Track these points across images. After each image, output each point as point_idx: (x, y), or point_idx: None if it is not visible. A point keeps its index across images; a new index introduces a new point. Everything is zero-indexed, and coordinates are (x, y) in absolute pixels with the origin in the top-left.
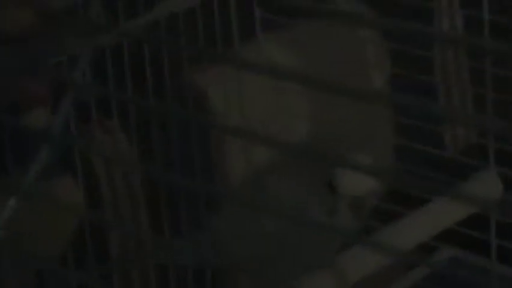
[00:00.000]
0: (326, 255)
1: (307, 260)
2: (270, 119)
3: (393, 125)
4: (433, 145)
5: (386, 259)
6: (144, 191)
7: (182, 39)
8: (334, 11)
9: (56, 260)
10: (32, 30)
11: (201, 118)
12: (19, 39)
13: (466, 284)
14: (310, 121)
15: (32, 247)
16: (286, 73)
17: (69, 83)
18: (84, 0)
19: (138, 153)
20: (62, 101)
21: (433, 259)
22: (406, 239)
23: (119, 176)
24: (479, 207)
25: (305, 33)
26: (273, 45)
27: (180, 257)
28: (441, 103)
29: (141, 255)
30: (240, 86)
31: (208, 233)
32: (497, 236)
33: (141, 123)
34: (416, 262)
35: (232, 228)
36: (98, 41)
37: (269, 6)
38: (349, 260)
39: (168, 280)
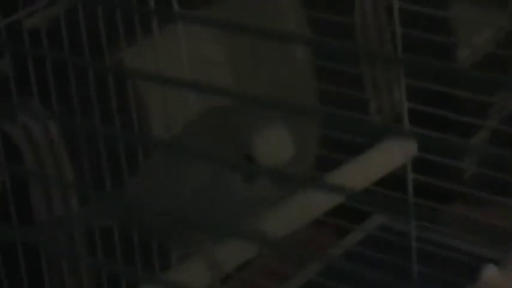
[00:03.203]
0: (243, 222)
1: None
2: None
3: (316, 90)
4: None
5: (304, 220)
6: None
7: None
8: None
9: None
10: None
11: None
12: None
13: (392, 247)
14: (230, 72)
15: None
16: (204, 19)
17: None
18: None
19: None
20: None
21: (364, 226)
22: (321, 201)
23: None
24: (394, 166)
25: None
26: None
27: (102, 217)
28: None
29: (66, 218)
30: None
31: (127, 193)
32: (415, 195)
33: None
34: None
35: (150, 190)
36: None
37: None
38: (269, 220)
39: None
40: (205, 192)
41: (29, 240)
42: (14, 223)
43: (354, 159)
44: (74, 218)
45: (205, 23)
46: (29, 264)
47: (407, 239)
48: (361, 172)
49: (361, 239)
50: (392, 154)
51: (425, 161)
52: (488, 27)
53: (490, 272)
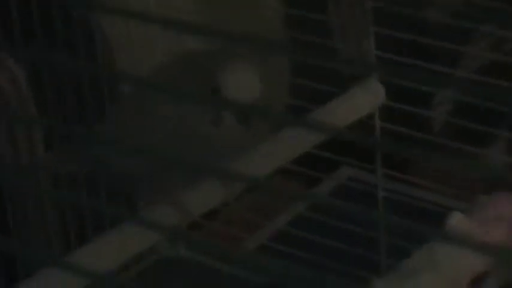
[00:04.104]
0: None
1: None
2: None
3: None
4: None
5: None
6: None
7: None
8: None
9: None
10: None
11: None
12: None
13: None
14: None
15: None
16: None
17: None
18: None
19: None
20: None
21: (333, 176)
22: (290, 147)
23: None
24: (361, 114)
25: None
26: None
27: (68, 163)
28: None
29: (32, 164)
30: None
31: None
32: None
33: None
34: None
35: (117, 136)
36: None
37: None
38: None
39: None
40: (173, 136)
41: None
42: None
43: (322, 107)
44: (40, 163)
45: None
46: None
47: (375, 189)
48: (329, 120)
49: (329, 189)
50: (360, 102)
51: (394, 110)
52: None
53: (456, 218)
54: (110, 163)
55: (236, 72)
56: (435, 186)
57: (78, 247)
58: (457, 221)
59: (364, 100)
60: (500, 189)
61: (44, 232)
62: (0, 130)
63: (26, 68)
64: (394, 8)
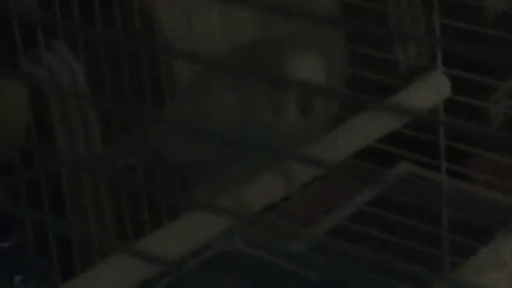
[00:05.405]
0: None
1: (255, 161)
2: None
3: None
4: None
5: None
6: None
7: None
8: None
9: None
10: None
11: (149, 39)
12: None
13: (421, 194)
14: (255, 30)
15: None
16: None
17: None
18: None
19: (86, 71)
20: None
21: (391, 174)
22: (351, 141)
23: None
24: (427, 106)
25: None
26: None
27: (127, 157)
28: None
29: (90, 157)
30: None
31: (152, 133)
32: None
33: (90, 46)
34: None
35: (178, 130)
36: None
37: None
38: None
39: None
40: (234, 125)
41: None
42: (39, 164)
43: (386, 100)
44: (98, 157)
45: None
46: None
47: (437, 185)
48: (389, 115)
49: (389, 184)
50: (425, 95)
51: (459, 104)
52: None
53: None
54: (170, 153)
55: (305, 60)
56: (497, 183)
57: (135, 240)
58: None
59: (429, 93)
60: None
61: (101, 226)
62: (57, 122)
63: (84, 60)
64: None
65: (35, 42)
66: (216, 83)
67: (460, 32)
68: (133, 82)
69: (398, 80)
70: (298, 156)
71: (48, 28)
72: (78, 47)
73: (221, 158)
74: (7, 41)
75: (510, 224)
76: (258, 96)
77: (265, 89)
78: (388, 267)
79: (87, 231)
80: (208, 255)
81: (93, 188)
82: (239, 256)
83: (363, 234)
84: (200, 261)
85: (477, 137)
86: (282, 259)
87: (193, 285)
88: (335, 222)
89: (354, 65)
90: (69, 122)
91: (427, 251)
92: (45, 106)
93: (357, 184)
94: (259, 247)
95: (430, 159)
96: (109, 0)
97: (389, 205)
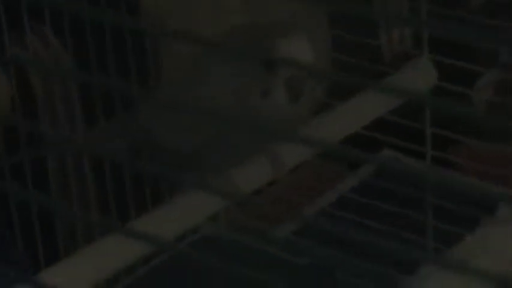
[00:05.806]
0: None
1: (246, 147)
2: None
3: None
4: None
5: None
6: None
7: None
8: None
9: None
10: None
11: (136, 23)
12: None
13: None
14: (243, 13)
15: None
16: None
17: None
18: None
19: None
20: None
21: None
22: (338, 127)
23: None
24: (412, 95)
25: None
26: None
27: (112, 142)
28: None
29: (74, 140)
30: None
31: (139, 116)
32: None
33: (75, 28)
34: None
35: (165, 112)
36: None
37: None
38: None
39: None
40: (225, 110)
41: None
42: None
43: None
44: (82, 140)
45: None
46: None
47: (422, 172)
48: (378, 100)
49: (372, 171)
50: (412, 82)
51: (444, 91)
52: None
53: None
54: (159, 137)
55: (296, 42)
56: (483, 170)
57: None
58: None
59: (416, 80)
60: None
61: (85, 210)
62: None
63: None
64: None
65: (20, 26)
66: (207, 68)
67: (445, 19)
68: (120, 71)
69: (382, 66)
70: (293, 138)
71: (34, 12)
72: (65, 33)
73: (213, 143)
74: None
75: (496, 212)
76: (247, 80)
77: (255, 74)
78: (375, 250)
79: (72, 210)
80: (193, 239)
81: (77, 172)
82: (225, 241)
83: (347, 220)
84: (185, 246)
85: (464, 122)
86: (268, 244)
87: (177, 270)
88: (318, 208)
89: (338, 51)
90: (53, 104)
91: (411, 238)
92: (29, 87)
93: (342, 170)
94: (245, 232)
95: (416, 146)
96: None
97: (374, 192)
